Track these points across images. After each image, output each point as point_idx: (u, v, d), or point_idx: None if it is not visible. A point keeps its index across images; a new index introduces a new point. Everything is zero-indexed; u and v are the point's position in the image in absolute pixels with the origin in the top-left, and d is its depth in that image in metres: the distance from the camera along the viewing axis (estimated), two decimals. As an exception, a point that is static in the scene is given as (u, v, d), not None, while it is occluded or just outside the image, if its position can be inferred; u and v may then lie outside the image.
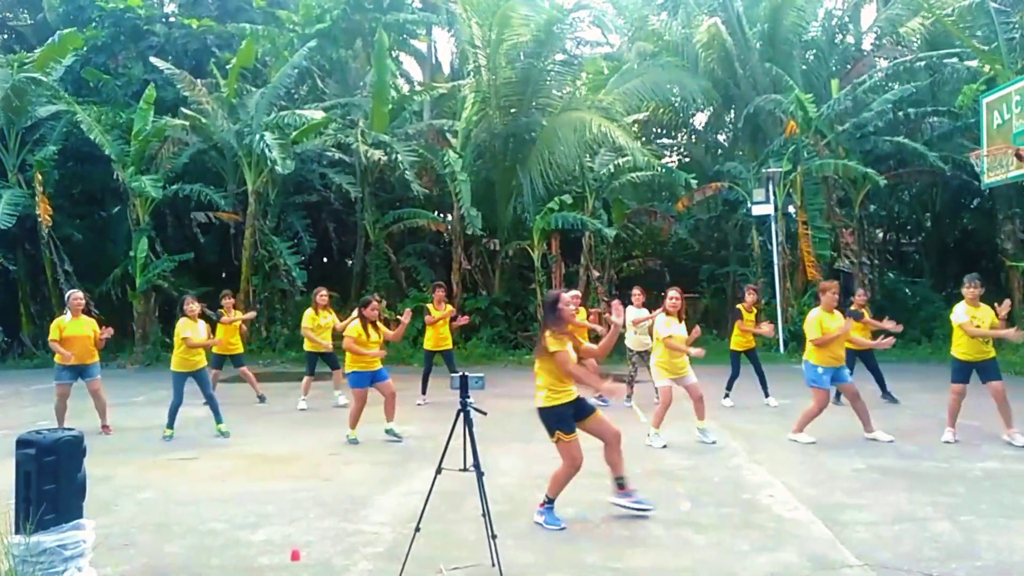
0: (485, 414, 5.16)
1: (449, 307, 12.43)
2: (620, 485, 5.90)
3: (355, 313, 9.25)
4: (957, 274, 23.12)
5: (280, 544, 5.25)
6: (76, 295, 9.57)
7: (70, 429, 4.70)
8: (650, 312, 10.72)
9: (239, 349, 12.35)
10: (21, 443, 4.47)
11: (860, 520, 5.62)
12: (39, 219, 18.64)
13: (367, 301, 9.02)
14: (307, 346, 11.68)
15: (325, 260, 24.53)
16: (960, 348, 8.25)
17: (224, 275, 22.37)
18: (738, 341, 11.37)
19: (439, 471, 4.97)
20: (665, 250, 24.57)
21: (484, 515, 4.73)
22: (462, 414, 5.00)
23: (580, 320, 11.30)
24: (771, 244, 19.31)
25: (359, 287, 20.78)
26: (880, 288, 20.15)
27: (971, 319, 8.13)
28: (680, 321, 8.60)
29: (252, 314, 13.23)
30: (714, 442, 8.36)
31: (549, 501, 5.70)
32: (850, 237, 19.82)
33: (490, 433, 7.55)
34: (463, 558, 4.95)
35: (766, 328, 11.08)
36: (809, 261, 18.91)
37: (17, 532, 4.29)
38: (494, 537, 4.67)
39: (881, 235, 25.06)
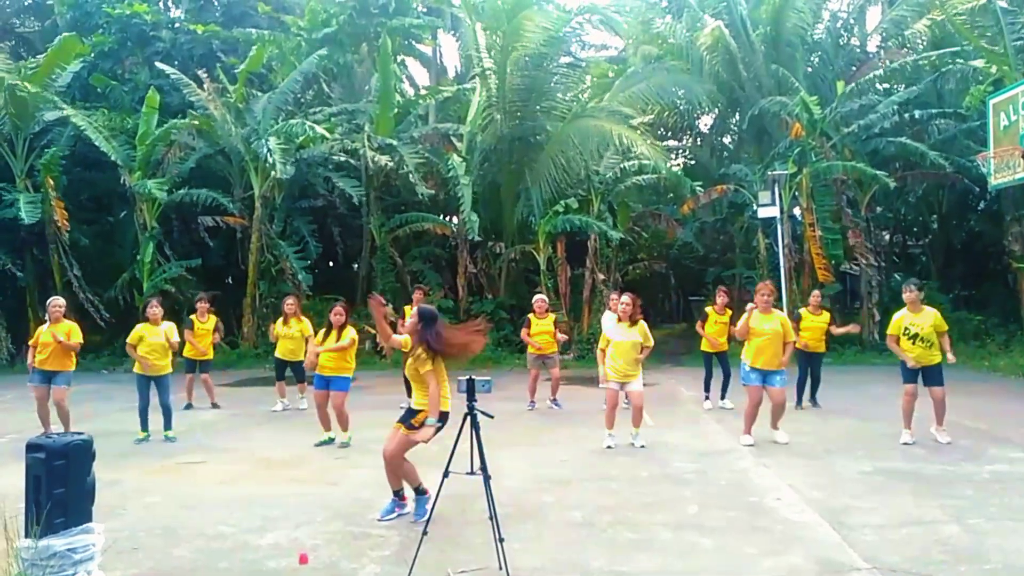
0: (492, 417, 5.17)
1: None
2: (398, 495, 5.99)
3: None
4: (964, 276, 23.09)
5: (287, 548, 5.26)
6: (56, 301, 9.41)
7: (79, 433, 4.73)
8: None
9: (208, 356, 12.42)
10: (31, 447, 4.50)
11: (868, 523, 5.60)
12: (52, 223, 18.75)
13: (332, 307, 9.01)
14: (277, 352, 11.72)
15: (331, 264, 24.60)
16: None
17: (230, 279, 22.44)
18: (706, 342, 11.45)
19: (446, 474, 4.97)
20: (670, 253, 24.59)
21: (491, 518, 4.73)
22: (469, 417, 5.01)
23: (546, 326, 11.47)
24: (777, 246, 19.28)
25: (365, 291, 20.81)
26: (887, 290, 20.09)
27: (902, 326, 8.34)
28: (631, 326, 8.50)
29: (217, 336, 13.05)
30: (643, 446, 8.37)
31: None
32: (856, 239, 19.78)
33: (497, 436, 7.56)
34: (470, 561, 4.95)
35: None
36: (820, 263, 18.83)
37: (27, 536, 4.31)
38: (501, 540, 4.67)
39: (887, 237, 25.00)
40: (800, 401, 11.08)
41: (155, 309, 9.49)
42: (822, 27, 22.42)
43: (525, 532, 5.51)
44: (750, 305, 8.63)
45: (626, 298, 8.67)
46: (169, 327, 9.52)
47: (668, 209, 23.56)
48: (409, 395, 5.91)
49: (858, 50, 23.48)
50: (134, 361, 9.53)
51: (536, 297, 12.15)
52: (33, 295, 20.50)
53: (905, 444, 8.24)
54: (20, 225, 18.21)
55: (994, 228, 20.55)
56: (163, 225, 20.12)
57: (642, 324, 8.53)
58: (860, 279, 19.60)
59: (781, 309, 18.40)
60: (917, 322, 8.28)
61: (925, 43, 20.64)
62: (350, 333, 8.77)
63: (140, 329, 9.38)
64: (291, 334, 11.44)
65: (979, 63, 17.77)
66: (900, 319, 8.43)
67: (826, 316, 11.23)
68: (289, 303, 11.67)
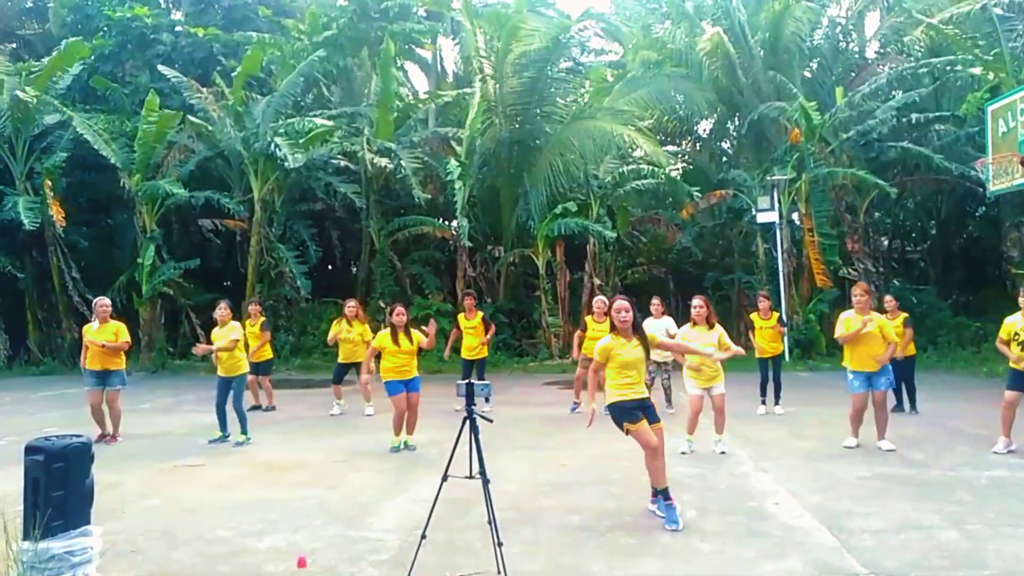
0: (491, 421, 5.17)
1: (480, 314, 12.21)
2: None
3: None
4: (962, 282, 23.10)
5: (286, 551, 5.25)
6: (102, 302, 9.60)
7: (78, 436, 4.73)
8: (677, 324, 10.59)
9: (267, 356, 12.36)
10: (30, 449, 4.50)
11: (866, 528, 5.60)
12: (50, 223, 18.75)
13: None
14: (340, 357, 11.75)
15: (330, 268, 24.58)
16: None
17: (229, 283, 22.43)
18: (760, 348, 11.27)
19: (445, 478, 4.97)
20: (669, 257, 24.55)
21: (490, 522, 4.73)
22: (468, 421, 5.01)
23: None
24: (776, 252, 19.30)
25: (364, 294, 20.81)
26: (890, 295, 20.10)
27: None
28: (709, 328, 8.31)
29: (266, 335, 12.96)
30: (723, 452, 8.27)
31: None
32: (855, 244, 19.80)
33: (496, 441, 7.55)
34: (469, 566, 4.94)
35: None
36: (818, 268, 18.86)
37: (25, 538, 4.30)
38: (500, 545, 4.67)
39: (886, 243, 25.02)
40: (900, 404, 10.91)
41: (223, 311, 9.42)
42: (821, 33, 22.48)
43: (524, 536, 5.50)
44: (848, 313, 8.44)
45: (699, 300, 8.43)
46: (233, 326, 9.40)
47: (667, 213, 23.58)
48: None
49: (857, 56, 23.53)
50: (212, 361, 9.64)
51: (596, 299, 11.84)
52: (32, 297, 20.52)
53: (995, 453, 8.03)
54: (19, 227, 18.20)
55: (992, 234, 20.58)
56: (162, 228, 20.12)
57: (718, 325, 8.35)
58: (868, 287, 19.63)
59: (780, 313, 18.48)
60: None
61: (923, 49, 20.69)
62: (419, 335, 8.67)
63: (214, 333, 9.47)
64: (351, 337, 11.41)
65: (977, 70, 17.82)
66: (1012, 323, 8.24)
67: (900, 317, 10.87)
68: (350, 306, 11.66)
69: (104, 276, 20.46)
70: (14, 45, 24.37)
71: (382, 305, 19.76)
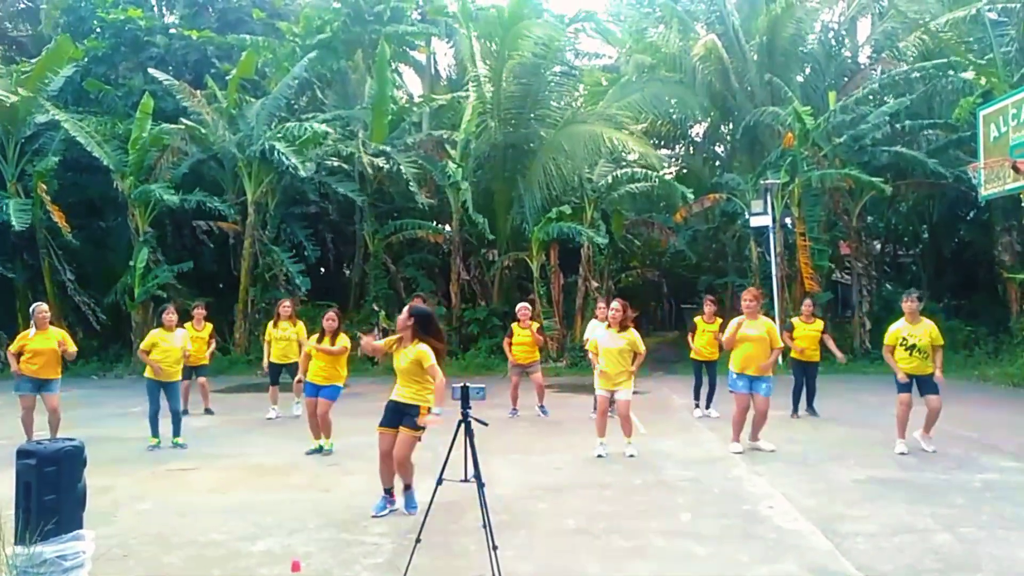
0: (486, 425, 5.16)
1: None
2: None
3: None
4: (954, 285, 23.19)
5: (280, 555, 5.23)
6: (41, 307, 9.21)
7: (71, 439, 4.70)
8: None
9: (204, 361, 12.28)
10: (22, 453, 4.47)
11: (860, 531, 5.61)
12: (42, 225, 18.67)
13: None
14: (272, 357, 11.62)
15: (323, 271, 24.55)
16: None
17: (222, 285, 22.36)
18: (697, 350, 11.43)
19: (440, 482, 4.96)
20: (663, 261, 24.63)
21: (485, 526, 4.71)
22: (463, 425, 5.00)
23: (526, 333, 11.38)
24: (769, 255, 19.34)
25: (358, 297, 20.79)
26: (878, 299, 20.19)
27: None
28: (619, 332, 8.40)
29: (213, 344, 12.95)
30: (633, 455, 8.29)
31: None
32: (848, 248, 19.85)
33: (490, 444, 7.54)
34: (464, 569, 4.93)
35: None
36: (807, 273, 18.94)
37: (17, 543, 4.27)
38: (495, 548, 4.66)
39: (878, 246, 25.12)
40: (796, 410, 11.09)
41: (171, 315, 9.39)
42: (814, 38, 22.56)
43: (519, 540, 5.49)
44: (739, 318, 8.60)
45: (616, 304, 8.60)
46: (184, 334, 9.44)
47: (661, 217, 23.64)
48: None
49: (850, 61, 23.63)
50: (144, 367, 9.46)
51: (520, 305, 12.08)
52: (24, 299, 20.38)
53: (901, 454, 8.23)
54: (10, 229, 18.10)
55: (984, 238, 20.68)
56: (155, 230, 20.04)
57: (632, 331, 8.41)
58: (851, 288, 19.67)
59: (773, 317, 18.52)
60: (915, 333, 8.24)
61: (916, 55, 20.79)
62: (343, 340, 8.73)
63: (155, 335, 9.28)
64: (284, 336, 11.35)
65: (969, 75, 17.91)
66: (898, 330, 8.38)
67: (819, 324, 11.30)
68: (285, 305, 11.58)
69: (97, 279, 20.38)
70: (5, 47, 24.29)
71: (375, 308, 19.75)
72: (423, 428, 5.98)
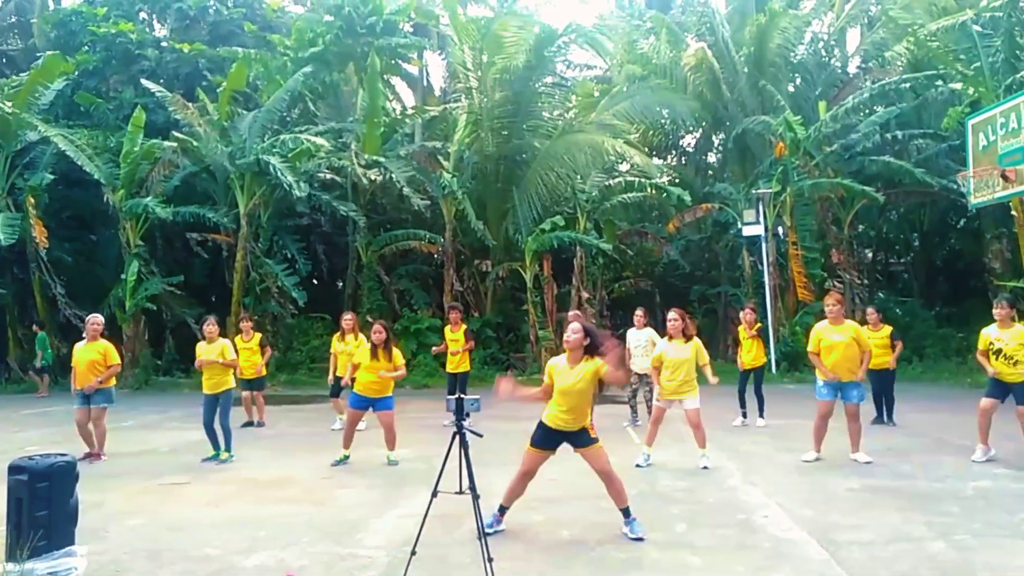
0: (481, 436, 5.16)
1: (463, 327, 12.27)
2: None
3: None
4: (946, 293, 23.30)
5: (274, 569, 5.20)
6: (95, 319, 9.48)
7: (63, 454, 4.68)
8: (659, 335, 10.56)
9: (263, 373, 12.28)
10: (13, 469, 4.45)
11: (856, 540, 5.61)
12: (33, 241, 18.58)
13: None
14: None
15: (316, 282, 24.52)
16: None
17: (215, 298, 22.32)
18: (743, 362, 11.43)
19: (435, 494, 4.95)
20: (656, 271, 24.67)
21: (480, 538, 4.71)
22: (458, 436, 4.99)
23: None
24: (761, 265, 19.41)
25: (351, 309, 20.71)
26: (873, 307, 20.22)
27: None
28: (685, 341, 8.37)
29: (268, 352, 12.89)
30: (706, 468, 8.24)
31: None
32: (839, 257, 19.94)
33: (485, 455, 7.52)
34: (459, 582, 4.91)
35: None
36: (800, 282, 19.01)
37: (8, 559, 4.25)
38: (490, 560, 4.65)
39: (870, 255, 25.24)
40: (881, 416, 10.99)
41: (211, 327, 9.33)
42: (803, 48, 22.74)
43: (514, 551, 5.48)
44: (820, 324, 8.51)
45: (673, 313, 8.49)
46: (225, 345, 9.35)
47: (654, 227, 23.73)
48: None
49: (839, 71, 23.80)
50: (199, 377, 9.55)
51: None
52: (13, 313, 20.30)
53: (976, 462, 8.10)
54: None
55: (974, 246, 20.81)
56: (146, 243, 19.99)
57: (696, 340, 8.40)
58: (844, 297, 19.72)
59: (766, 328, 18.55)
60: (1003, 338, 8.25)
61: (905, 64, 20.96)
62: (399, 358, 8.72)
63: (198, 349, 9.31)
64: (349, 350, 11.21)
65: (957, 85, 18.05)
66: (988, 335, 8.36)
67: (886, 330, 11.05)
68: (347, 319, 11.54)
69: (87, 292, 20.29)
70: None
71: (369, 320, 19.70)
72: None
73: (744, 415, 11.40)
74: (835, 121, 19.34)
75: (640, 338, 10.85)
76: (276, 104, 19.95)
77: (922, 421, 11.05)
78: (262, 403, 12.27)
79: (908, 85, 19.60)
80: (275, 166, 17.80)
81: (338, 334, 11.58)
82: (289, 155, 18.44)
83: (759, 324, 11.85)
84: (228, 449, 9.19)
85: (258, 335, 12.49)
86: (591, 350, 5.69)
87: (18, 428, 12.49)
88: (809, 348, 8.58)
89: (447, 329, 12.16)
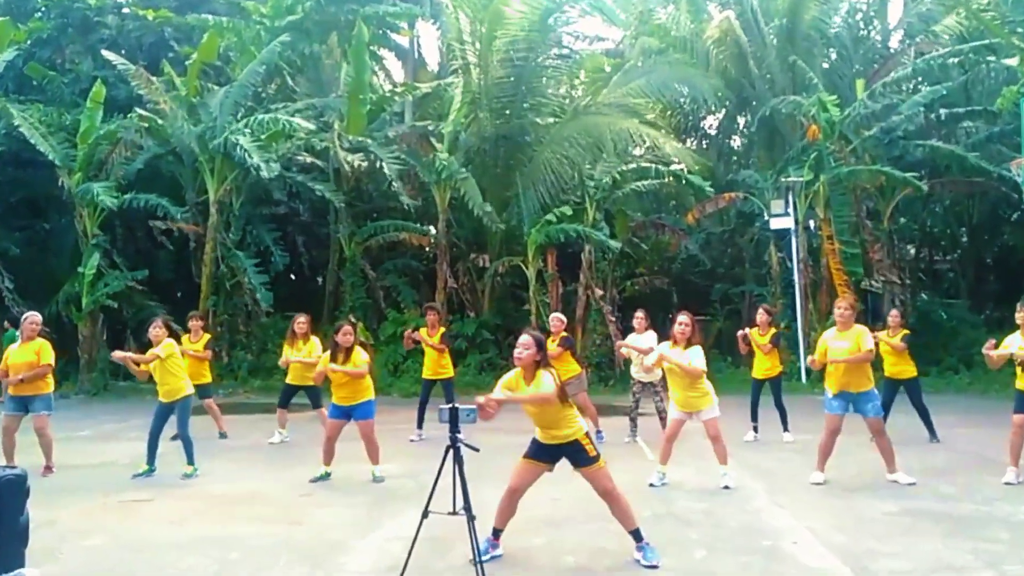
0: (477, 451, 5.17)
1: (442, 330, 12.22)
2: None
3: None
4: (997, 294, 23.26)
5: (246, 596, 5.22)
6: (32, 318, 9.35)
7: (12, 467, 4.69)
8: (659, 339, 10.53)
9: (207, 379, 12.27)
10: (-43, 483, 4.46)
11: (894, 569, 5.63)
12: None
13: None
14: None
15: (293, 277, 24.52)
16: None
17: (180, 294, 22.30)
18: (760, 367, 11.42)
19: (425, 514, 4.97)
20: (673, 267, 24.63)
21: (475, 564, 4.72)
22: (451, 451, 5.00)
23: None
24: (791, 261, 19.39)
25: (332, 308, 20.75)
26: (912, 310, 20.22)
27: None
28: (685, 348, 8.37)
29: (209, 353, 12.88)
30: (728, 487, 8.24)
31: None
32: (879, 253, 19.88)
33: (481, 472, 7.54)
34: (452, 612, 4.93)
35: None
36: (839, 279, 18.88)
37: (-48, 583, 4.26)
38: (487, 588, 4.66)
39: (913, 251, 25.22)
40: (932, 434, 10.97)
41: (157, 330, 9.29)
42: (839, 20, 22.67)
43: (513, 579, 5.49)
44: (829, 331, 8.54)
45: (684, 318, 8.53)
46: (168, 343, 9.29)
47: (671, 218, 23.70)
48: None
49: (879, 45, 23.77)
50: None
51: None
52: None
53: (1008, 484, 8.12)
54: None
55: (1030, 242, 20.79)
56: (106, 233, 19.96)
57: (697, 348, 8.39)
58: (883, 298, 19.72)
59: (796, 332, 18.55)
60: None
61: (953, 39, 20.86)
62: (362, 356, 8.75)
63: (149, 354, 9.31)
64: (302, 357, 11.17)
65: (1013, 61, 17.99)
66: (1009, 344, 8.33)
67: (900, 334, 11.02)
68: (300, 322, 11.46)
69: (39, 287, 20.26)
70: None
71: (352, 320, 19.71)
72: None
73: (755, 429, 11.43)
74: (874, 101, 19.24)
75: (641, 343, 10.85)
76: (250, 78, 19.91)
77: (968, 437, 11.06)
78: (217, 411, 12.26)
79: (956, 60, 19.48)
80: (241, 145, 17.75)
81: (287, 339, 11.53)
82: (263, 136, 18.41)
83: (774, 329, 11.80)
84: (191, 462, 9.20)
85: (207, 336, 12.52)
86: (543, 363, 5.80)
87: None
88: (813, 357, 8.62)
89: (423, 331, 12.10)
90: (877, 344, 9.43)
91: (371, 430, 8.84)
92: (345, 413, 8.76)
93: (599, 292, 20.02)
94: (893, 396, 10.78)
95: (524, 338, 5.89)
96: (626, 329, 11.61)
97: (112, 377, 19.73)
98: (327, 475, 8.80)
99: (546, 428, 5.85)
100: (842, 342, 8.29)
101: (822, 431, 8.51)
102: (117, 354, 9.82)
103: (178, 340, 10.28)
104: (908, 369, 10.87)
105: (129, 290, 19.88)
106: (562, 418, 5.80)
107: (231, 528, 6.91)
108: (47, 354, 9.26)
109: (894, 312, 11.64)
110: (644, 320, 11.14)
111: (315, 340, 11.36)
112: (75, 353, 19.35)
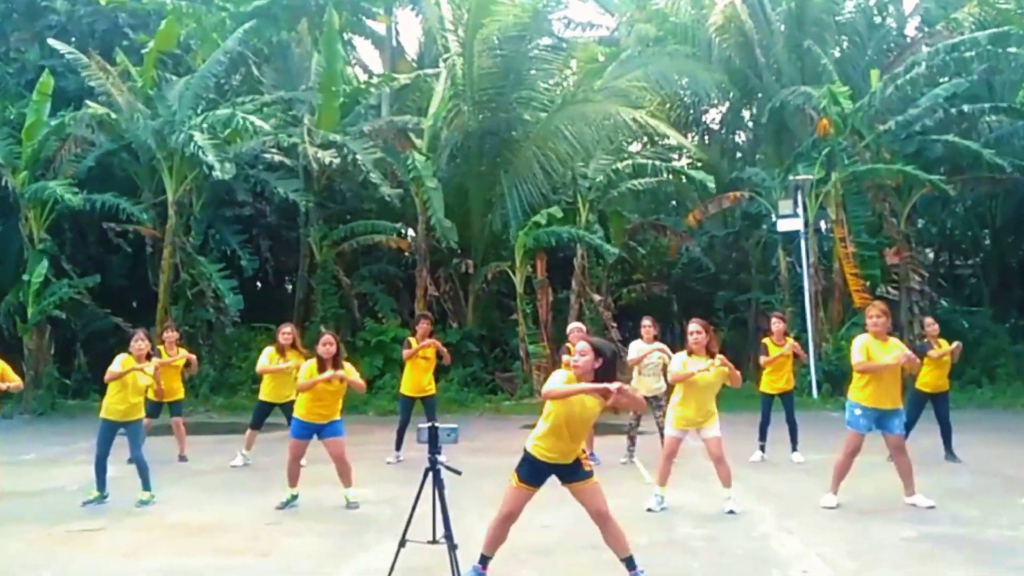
0: (459, 474, 5.16)
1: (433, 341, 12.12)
2: None
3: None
4: (1022, 301, 23.40)
5: (207, 635, 5.20)
6: None
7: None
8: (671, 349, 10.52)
9: (181, 395, 12.24)
10: None
11: (911, 600, 5.65)
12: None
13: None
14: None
15: (259, 285, 24.42)
16: None
17: (136, 303, 22.18)
18: (769, 381, 11.46)
19: (403, 543, 4.96)
20: (673, 273, 24.70)
21: (458, 596, 4.72)
22: (431, 473, 5.00)
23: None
24: (800, 266, 19.44)
25: (302, 317, 20.68)
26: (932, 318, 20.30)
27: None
28: (708, 359, 8.28)
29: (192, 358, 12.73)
30: (732, 512, 8.22)
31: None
32: (896, 257, 19.95)
33: (463, 497, 7.54)
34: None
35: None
36: (856, 284, 18.93)
37: None
38: (470, 624, 4.66)
39: (932, 255, 25.34)
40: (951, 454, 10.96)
41: (141, 343, 9.23)
42: (852, 7, 22.81)
43: (499, 613, 5.49)
44: (862, 338, 8.39)
45: (696, 325, 8.49)
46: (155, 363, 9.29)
47: (671, 220, 23.76)
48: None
49: (895, 34, 23.92)
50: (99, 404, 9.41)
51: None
52: None
53: None
54: None
55: (1058, 245, 20.92)
56: (54, 237, 19.85)
57: (720, 357, 8.30)
58: (900, 305, 19.81)
59: (806, 341, 18.61)
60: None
61: (973, 25, 20.99)
62: (354, 371, 8.82)
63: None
64: (290, 370, 10.90)
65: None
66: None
67: (947, 347, 10.95)
68: (285, 332, 11.33)
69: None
70: None
71: (323, 330, 19.65)
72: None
73: (763, 449, 11.47)
74: (890, 92, 19.29)
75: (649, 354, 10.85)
76: (212, 68, 19.85)
77: (992, 456, 11.10)
78: (183, 432, 12.18)
79: (973, 53, 19.58)
80: (196, 142, 17.68)
81: (273, 350, 11.26)
82: (224, 133, 18.34)
83: (791, 339, 11.87)
84: (147, 488, 9.15)
85: (182, 350, 12.47)
86: (604, 375, 5.56)
87: None
88: (859, 358, 8.16)
89: (413, 340, 12.05)
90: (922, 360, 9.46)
91: (343, 449, 8.82)
92: (313, 431, 8.75)
93: (597, 298, 20.03)
94: (920, 411, 10.82)
95: (582, 345, 5.79)
96: (630, 339, 11.57)
97: (60, 395, 19.61)
98: (294, 498, 8.78)
99: (572, 442, 5.77)
100: (885, 355, 8.12)
101: (841, 450, 8.49)
102: (157, 362, 9.57)
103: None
104: (945, 382, 10.91)
105: (79, 299, 19.76)
106: (588, 432, 5.78)
107: (191, 560, 6.88)
108: (10, 373, 9.22)
109: (930, 320, 11.68)
110: (652, 328, 11.06)
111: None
112: (20, 369, 19.18)
